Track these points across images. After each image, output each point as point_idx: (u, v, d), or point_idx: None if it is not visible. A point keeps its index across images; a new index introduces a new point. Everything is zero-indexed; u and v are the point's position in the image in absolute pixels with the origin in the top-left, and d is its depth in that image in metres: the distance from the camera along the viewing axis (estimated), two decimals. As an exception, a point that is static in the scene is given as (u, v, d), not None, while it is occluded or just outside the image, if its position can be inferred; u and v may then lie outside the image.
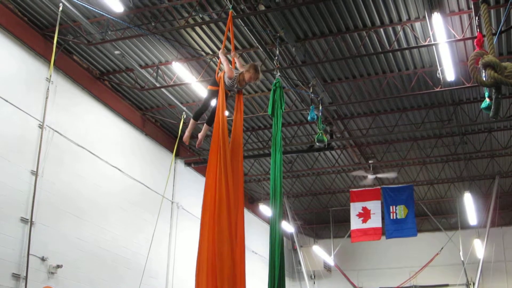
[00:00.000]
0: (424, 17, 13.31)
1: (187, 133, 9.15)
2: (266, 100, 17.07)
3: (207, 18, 13.64)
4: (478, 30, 10.54)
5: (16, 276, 12.47)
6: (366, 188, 22.31)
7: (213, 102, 8.76)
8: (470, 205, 22.19)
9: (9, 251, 12.41)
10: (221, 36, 14.52)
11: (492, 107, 6.93)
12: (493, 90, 6.47)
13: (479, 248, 23.64)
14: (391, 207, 21.47)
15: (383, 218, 21.66)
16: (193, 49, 15.05)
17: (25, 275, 12.58)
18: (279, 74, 11.63)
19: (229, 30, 9.46)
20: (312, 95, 15.75)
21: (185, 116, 17.35)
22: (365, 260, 27.69)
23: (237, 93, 9.00)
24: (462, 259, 24.09)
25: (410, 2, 13.18)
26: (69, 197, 14.44)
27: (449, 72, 14.37)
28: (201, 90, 15.82)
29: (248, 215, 24.20)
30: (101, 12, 13.17)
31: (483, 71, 6.08)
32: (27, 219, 12.92)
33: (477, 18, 11.56)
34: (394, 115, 18.23)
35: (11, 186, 12.70)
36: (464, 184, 22.87)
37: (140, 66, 15.70)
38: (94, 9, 13.10)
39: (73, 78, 15.12)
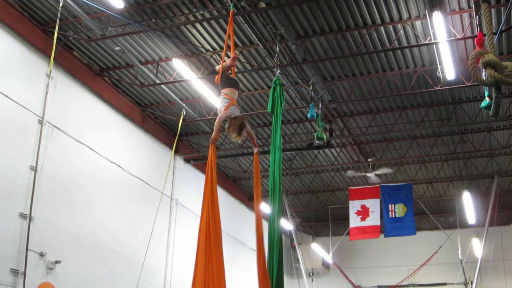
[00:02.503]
0: (425, 15, 13.31)
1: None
2: (266, 98, 17.07)
3: (207, 15, 13.65)
4: (478, 29, 10.56)
5: (14, 272, 12.48)
6: (365, 186, 22.31)
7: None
8: (469, 204, 22.20)
9: (8, 247, 12.41)
10: (221, 33, 14.51)
11: (492, 106, 6.94)
12: (493, 89, 6.48)
13: (478, 247, 23.63)
14: (390, 205, 21.47)
15: (382, 217, 21.65)
16: (193, 46, 15.05)
17: (23, 270, 12.59)
18: (279, 71, 11.65)
19: (229, 35, 9.65)
20: (312, 93, 15.74)
21: (184, 113, 17.36)
22: (364, 258, 27.68)
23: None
24: (461, 258, 24.11)
25: (411, 1, 13.18)
26: (68, 193, 14.44)
27: (449, 71, 14.38)
28: (201, 86, 15.82)
29: (247, 213, 24.26)
30: (102, 8, 13.16)
31: (483, 70, 6.09)
32: (26, 215, 12.92)
33: (477, 17, 11.57)
34: (394, 113, 18.24)
35: (10, 181, 12.70)
36: (463, 183, 22.87)
37: (140, 62, 15.69)
38: (94, 5, 13.10)
39: (73, 74, 15.11)
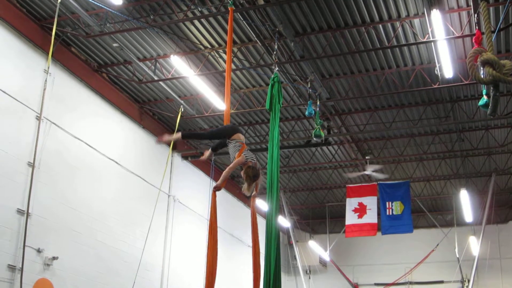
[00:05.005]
0: (423, 13, 13.31)
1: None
2: (264, 95, 17.07)
3: (206, 12, 13.63)
4: (477, 27, 10.57)
5: (11, 268, 12.48)
6: (363, 184, 22.33)
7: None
8: (466, 202, 22.23)
9: (5, 243, 12.42)
10: (220, 30, 14.50)
11: (490, 105, 6.95)
12: (491, 88, 6.50)
13: (475, 245, 23.69)
14: (387, 203, 21.48)
15: (379, 214, 21.67)
16: (191, 43, 15.04)
17: (20, 266, 12.59)
18: (277, 68, 11.65)
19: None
20: (310, 90, 15.74)
21: (182, 110, 17.35)
22: (361, 255, 27.72)
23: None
24: (458, 256, 24.14)
25: (410, -1, 13.20)
26: (65, 189, 14.43)
27: (447, 69, 14.38)
28: (199, 83, 15.81)
29: (244, 210, 24.25)
30: (100, 5, 13.15)
31: (482, 68, 6.10)
32: (24, 211, 12.92)
33: (476, 15, 11.58)
34: (392, 111, 18.25)
35: (8, 178, 12.70)
36: (460, 181, 22.90)
37: (138, 59, 15.68)
38: (93, 1, 13.08)
39: (71, 70, 15.09)
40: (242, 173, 8.30)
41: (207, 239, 8.16)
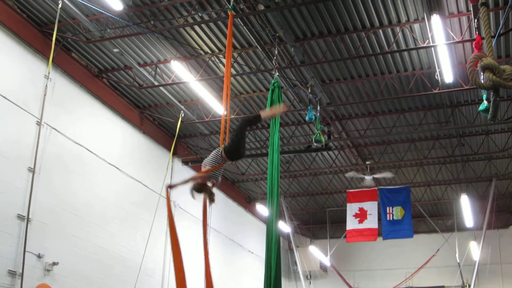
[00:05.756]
0: (423, 18, 13.33)
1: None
2: (264, 100, 17.07)
3: (206, 17, 13.65)
4: (477, 32, 10.57)
5: (12, 273, 12.46)
6: (363, 189, 22.32)
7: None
8: (466, 207, 22.21)
9: (6, 248, 12.40)
10: (220, 35, 14.51)
11: (490, 110, 6.96)
12: (492, 93, 6.50)
13: (475, 250, 23.67)
14: (387, 208, 21.49)
15: (379, 219, 21.66)
16: (192, 48, 15.05)
17: (21, 272, 12.58)
18: (277, 74, 11.67)
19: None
20: (310, 96, 15.76)
21: (183, 115, 17.36)
22: (361, 261, 27.70)
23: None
24: (458, 261, 24.09)
25: (409, 4, 13.20)
26: (66, 195, 14.42)
27: (447, 74, 14.39)
28: (199, 89, 15.83)
29: (245, 215, 24.27)
30: (101, 10, 13.16)
31: (482, 73, 6.10)
32: (24, 216, 12.91)
33: (476, 20, 11.59)
34: (392, 116, 18.25)
35: (8, 183, 12.69)
36: (461, 186, 22.88)
37: (139, 64, 15.69)
38: (93, 7, 13.09)
39: (72, 76, 15.10)
40: (194, 184, 8.01)
41: (170, 242, 7.86)
